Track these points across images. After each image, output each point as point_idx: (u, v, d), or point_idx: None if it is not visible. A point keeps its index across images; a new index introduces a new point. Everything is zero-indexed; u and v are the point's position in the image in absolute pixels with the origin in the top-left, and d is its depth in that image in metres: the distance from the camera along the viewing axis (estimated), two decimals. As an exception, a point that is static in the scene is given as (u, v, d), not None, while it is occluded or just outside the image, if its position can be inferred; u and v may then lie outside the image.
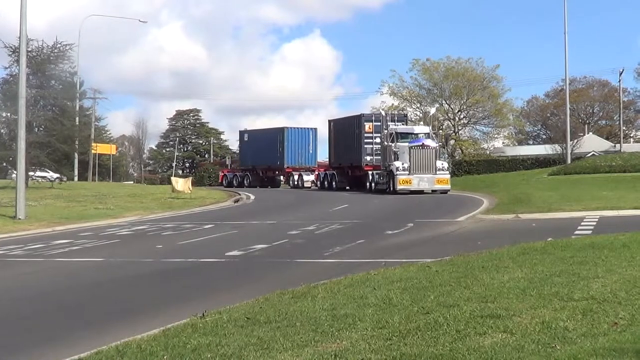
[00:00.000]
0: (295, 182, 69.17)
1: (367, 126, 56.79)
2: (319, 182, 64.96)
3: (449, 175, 50.21)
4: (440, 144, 55.45)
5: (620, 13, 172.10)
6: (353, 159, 58.57)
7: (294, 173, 70.24)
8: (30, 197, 36.19)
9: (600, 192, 36.35)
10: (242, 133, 79.34)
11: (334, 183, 61.03)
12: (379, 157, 55.17)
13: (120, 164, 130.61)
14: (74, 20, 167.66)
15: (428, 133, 52.17)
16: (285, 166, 70.91)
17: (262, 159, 72.66)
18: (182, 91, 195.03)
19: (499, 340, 7.89)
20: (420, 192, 48.14)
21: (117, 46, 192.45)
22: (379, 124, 56.07)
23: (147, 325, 10.57)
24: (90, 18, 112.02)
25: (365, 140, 56.67)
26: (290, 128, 72.64)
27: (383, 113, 57.20)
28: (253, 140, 75.50)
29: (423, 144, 49.36)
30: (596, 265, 12.65)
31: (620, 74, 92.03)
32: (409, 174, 48.32)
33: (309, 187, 66.18)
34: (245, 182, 74.28)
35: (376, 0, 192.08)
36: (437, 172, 48.96)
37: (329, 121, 65.63)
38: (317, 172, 67.07)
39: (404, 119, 59.40)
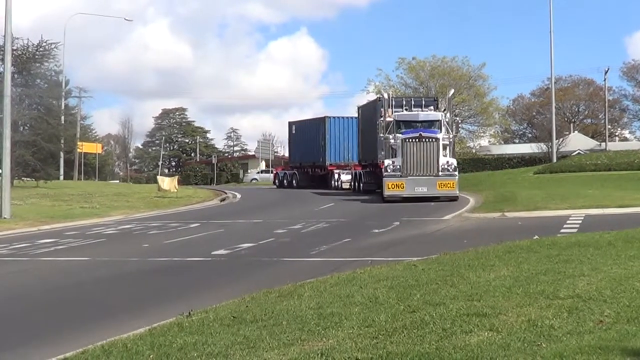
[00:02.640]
0: (336, 182, 57.48)
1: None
2: (355, 183, 52.26)
3: (456, 177, 38.39)
4: (454, 135, 43.28)
5: (605, 12, 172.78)
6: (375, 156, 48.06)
7: (335, 172, 58.48)
8: (15, 196, 36.08)
9: (586, 191, 36.45)
10: (290, 125, 67.57)
11: (361, 184, 49.61)
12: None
13: (106, 163, 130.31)
14: (59, 18, 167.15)
15: (438, 121, 40.91)
16: (327, 163, 59.16)
17: (308, 155, 61.92)
18: (168, 89, 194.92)
19: (485, 338, 7.89)
20: (417, 199, 37.64)
21: (103, 44, 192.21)
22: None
23: (133, 325, 10.55)
24: (75, 16, 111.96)
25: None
26: (332, 118, 60.38)
27: (386, 95, 44.86)
28: (300, 132, 64.60)
29: (420, 134, 38.68)
30: (582, 264, 12.68)
31: (606, 72, 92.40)
32: (400, 176, 38.24)
33: (348, 189, 53.14)
34: (293, 181, 64.02)
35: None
36: (440, 173, 38.19)
37: (358, 107, 55.98)
38: (353, 171, 53.87)
39: (409, 102, 46.23)
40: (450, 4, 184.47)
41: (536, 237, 18.20)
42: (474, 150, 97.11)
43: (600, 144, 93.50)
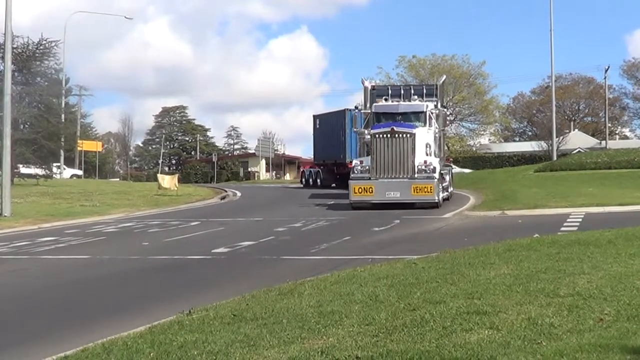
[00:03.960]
0: None
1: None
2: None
3: (434, 180, 32.33)
4: (442, 130, 36.92)
5: (605, 10, 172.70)
6: None
7: None
8: (15, 194, 36.09)
9: (586, 189, 36.44)
10: (314, 118, 61.00)
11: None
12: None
13: (106, 161, 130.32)
14: (59, 16, 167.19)
15: (422, 112, 35.19)
16: (347, 160, 50.41)
17: (329, 151, 55.49)
18: (168, 88, 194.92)
19: (485, 336, 7.89)
20: (389, 206, 32.32)
21: (103, 42, 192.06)
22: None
23: (134, 323, 10.55)
24: (76, 14, 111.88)
25: None
26: (352, 110, 50.04)
27: (367, 84, 38.29)
28: (323, 126, 58.15)
29: (393, 129, 33.01)
30: (582, 262, 12.68)
31: (606, 71, 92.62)
32: (369, 179, 32.87)
33: None
34: (318, 180, 57.85)
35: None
36: (417, 175, 32.47)
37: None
38: None
39: (397, 91, 38.89)
40: (451, 2, 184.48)
41: (536, 235, 18.19)
42: (474, 149, 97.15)
43: (600, 142, 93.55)
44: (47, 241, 23.53)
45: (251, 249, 20.38)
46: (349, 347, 7.85)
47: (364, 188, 32.79)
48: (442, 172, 34.61)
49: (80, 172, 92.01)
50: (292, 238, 22.85)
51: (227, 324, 9.56)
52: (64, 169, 79.62)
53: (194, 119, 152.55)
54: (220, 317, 9.95)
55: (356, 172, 33.38)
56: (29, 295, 14.56)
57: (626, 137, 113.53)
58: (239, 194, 52.44)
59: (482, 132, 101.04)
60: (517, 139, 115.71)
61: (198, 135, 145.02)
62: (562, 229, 21.91)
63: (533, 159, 75.05)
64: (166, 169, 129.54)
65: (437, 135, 35.50)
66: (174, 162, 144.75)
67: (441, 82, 39.70)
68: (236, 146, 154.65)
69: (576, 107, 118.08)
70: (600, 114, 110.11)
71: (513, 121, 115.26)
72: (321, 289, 11.74)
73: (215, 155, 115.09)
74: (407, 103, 36.22)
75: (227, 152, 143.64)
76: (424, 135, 34.26)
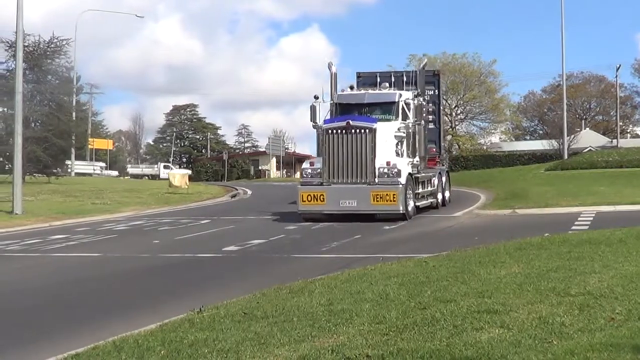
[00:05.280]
0: None
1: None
2: None
3: (399, 186, 26.65)
4: (418, 123, 29.49)
5: (617, 9, 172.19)
6: None
7: None
8: (27, 192, 36.17)
9: (597, 188, 36.33)
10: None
11: None
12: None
13: (117, 159, 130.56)
14: (70, 13, 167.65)
15: (393, 103, 29.05)
16: None
17: None
18: (179, 86, 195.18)
19: (496, 335, 7.88)
20: (345, 217, 27.29)
21: (113, 40, 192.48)
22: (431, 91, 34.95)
23: (144, 321, 10.55)
24: (86, 12, 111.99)
25: None
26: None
27: (334, 70, 31.23)
28: None
29: (348, 123, 27.20)
30: (593, 261, 12.65)
31: (617, 69, 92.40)
32: (321, 184, 27.38)
33: None
34: None
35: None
36: (377, 180, 26.90)
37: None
38: None
39: (387, 78, 32.79)
40: (462, 0, 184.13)
41: (547, 234, 18.15)
42: (485, 147, 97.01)
43: (611, 141, 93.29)
44: (58, 239, 23.59)
45: (262, 247, 20.39)
46: (359, 345, 7.85)
47: (314, 195, 27.14)
48: (417, 175, 28.98)
49: (114, 173, 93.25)
50: (302, 236, 22.85)
51: (237, 322, 9.56)
52: (171, 169, 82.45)
53: (204, 117, 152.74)
54: (230, 315, 9.96)
55: (306, 175, 28.02)
56: (40, 292, 14.59)
57: (637, 136, 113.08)
58: (249, 192, 52.48)
59: (493, 131, 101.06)
60: (528, 138, 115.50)
61: (209, 133, 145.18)
62: (573, 227, 21.86)
63: (544, 157, 74.73)
64: (177, 166, 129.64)
65: (411, 130, 28.94)
66: (184, 160, 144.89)
67: (421, 66, 33.32)
68: (247, 144, 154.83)
69: (587, 106, 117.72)
70: (612, 113, 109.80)
71: (524, 120, 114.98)
72: (332, 287, 11.74)
73: (225, 153, 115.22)
74: (375, 92, 30.01)
75: (237, 151, 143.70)
76: (390, 131, 28.13)
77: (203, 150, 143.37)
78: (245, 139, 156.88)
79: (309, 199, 27.21)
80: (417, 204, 28.87)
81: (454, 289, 10.62)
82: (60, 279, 16.25)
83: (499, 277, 11.48)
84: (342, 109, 29.38)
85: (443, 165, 39.47)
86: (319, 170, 27.49)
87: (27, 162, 43.36)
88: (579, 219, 24.80)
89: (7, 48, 49.62)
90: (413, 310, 9.40)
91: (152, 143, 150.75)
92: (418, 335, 8.11)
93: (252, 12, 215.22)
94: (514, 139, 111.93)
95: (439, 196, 32.62)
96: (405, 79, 32.30)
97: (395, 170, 26.79)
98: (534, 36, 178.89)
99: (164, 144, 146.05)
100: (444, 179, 33.84)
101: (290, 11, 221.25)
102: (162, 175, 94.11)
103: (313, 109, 29.27)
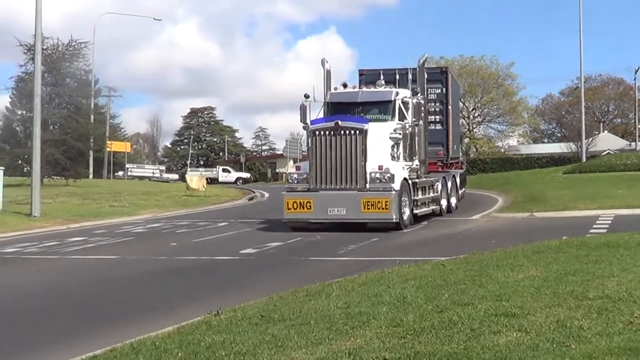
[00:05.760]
0: None
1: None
2: None
3: (392, 193, 24.56)
4: (418, 124, 27.37)
5: (635, 10, 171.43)
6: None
7: None
8: (45, 194, 36.32)
9: (616, 191, 36.18)
10: None
11: None
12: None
13: (135, 161, 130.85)
14: (89, 16, 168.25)
15: (389, 102, 26.77)
16: None
17: None
18: (196, 88, 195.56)
19: (514, 338, 7.86)
20: (336, 227, 25.47)
21: (132, 43, 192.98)
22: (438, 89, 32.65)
23: (162, 323, 10.59)
24: (105, 14, 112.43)
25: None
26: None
27: (327, 67, 29.41)
28: None
29: (337, 123, 25.07)
30: (611, 264, 12.59)
31: (636, 72, 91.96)
32: (307, 190, 25.39)
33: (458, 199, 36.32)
34: None
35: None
36: (368, 186, 24.87)
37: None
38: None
39: (391, 76, 30.38)
40: (480, 3, 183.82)
41: (565, 237, 18.08)
42: (502, 150, 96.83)
43: (630, 144, 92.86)
44: (76, 241, 23.69)
45: (279, 249, 20.41)
46: (376, 348, 7.84)
47: (300, 203, 25.13)
48: (416, 180, 26.96)
49: (246, 175, 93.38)
50: (320, 239, 22.84)
51: (254, 324, 9.57)
52: (229, 172, 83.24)
53: (222, 120, 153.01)
54: (248, 318, 9.97)
55: (291, 180, 26.07)
56: (58, 294, 14.65)
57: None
58: (266, 194, 52.52)
59: (511, 134, 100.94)
60: (546, 141, 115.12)
61: (226, 136, 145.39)
62: (591, 231, 21.79)
63: (562, 160, 74.51)
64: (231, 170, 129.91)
65: (408, 131, 26.74)
66: (202, 162, 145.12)
67: (421, 62, 29.75)
68: (264, 147, 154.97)
69: (605, 109, 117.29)
70: (630, 116, 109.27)
71: (542, 122, 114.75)
72: (349, 290, 11.74)
73: (243, 156, 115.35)
74: (370, 90, 27.57)
75: (255, 153, 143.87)
76: (385, 132, 25.97)
77: (220, 153, 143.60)
78: (263, 142, 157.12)
79: (295, 207, 25.21)
80: (416, 211, 26.64)
81: (471, 292, 10.59)
82: (78, 281, 16.31)
83: (516, 280, 11.45)
84: (334, 108, 27.19)
85: (461, 168, 38.59)
86: (305, 175, 25.49)
87: (45, 164, 43.52)
88: (597, 222, 24.71)
89: (26, 51, 49.83)
90: (430, 314, 9.38)
91: (169, 146, 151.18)
92: (435, 338, 8.09)
93: (270, 15, 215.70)
94: (531, 142, 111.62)
95: (443, 202, 30.42)
96: (410, 76, 30.07)
97: (388, 175, 24.69)
98: (552, 39, 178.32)
99: (182, 147, 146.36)
100: (449, 184, 31.82)
101: (308, 14, 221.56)
102: (221, 179, 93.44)
103: (303, 109, 27.20)
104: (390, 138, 26.03)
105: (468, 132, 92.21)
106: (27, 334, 11.06)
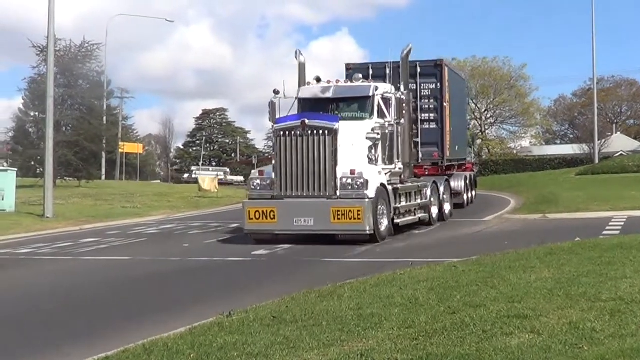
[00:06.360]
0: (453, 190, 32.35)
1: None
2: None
3: (364, 201, 21.37)
4: (399, 122, 23.94)
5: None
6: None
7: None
8: (58, 195, 36.43)
9: (629, 192, 36.03)
10: None
11: None
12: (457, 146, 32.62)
13: (147, 163, 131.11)
14: (101, 18, 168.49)
15: (367, 98, 23.91)
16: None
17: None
18: (208, 90, 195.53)
19: (526, 340, 7.85)
20: (304, 239, 22.02)
21: (144, 44, 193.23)
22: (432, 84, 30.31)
23: (174, 324, 10.61)
24: (117, 16, 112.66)
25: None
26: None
27: (302, 59, 26.91)
28: None
29: (304, 122, 22.01)
30: (624, 266, 12.56)
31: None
32: (271, 198, 22.33)
33: (462, 204, 33.79)
34: None
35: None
36: (339, 192, 21.67)
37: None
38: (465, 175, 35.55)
39: (381, 70, 27.44)
40: (491, 4, 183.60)
41: (578, 239, 18.04)
42: (515, 151, 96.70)
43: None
44: (89, 242, 23.75)
45: (290, 251, 20.42)
46: (388, 350, 7.84)
47: (263, 212, 22.00)
48: (397, 186, 23.95)
49: (239, 179, 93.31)
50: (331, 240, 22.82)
51: (267, 325, 9.58)
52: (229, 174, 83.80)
53: (234, 121, 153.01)
54: (260, 319, 9.98)
55: (254, 187, 22.79)
56: (71, 295, 14.69)
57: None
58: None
59: (523, 135, 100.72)
60: (559, 142, 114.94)
61: (238, 137, 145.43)
62: (604, 232, 21.73)
63: (575, 162, 74.39)
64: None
65: (388, 131, 23.63)
66: (214, 164, 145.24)
67: (404, 53, 26.13)
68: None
69: (618, 110, 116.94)
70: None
71: (554, 124, 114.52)
72: (361, 291, 11.73)
73: (255, 157, 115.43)
74: (345, 85, 25.01)
75: (267, 155, 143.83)
76: (360, 132, 23.02)
77: (232, 155, 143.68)
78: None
79: (257, 216, 22.08)
80: (397, 221, 23.67)
81: (483, 294, 10.58)
82: (91, 282, 16.36)
83: (529, 282, 11.43)
84: (305, 105, 24.52)
85: (471, 170, 37.70)
86: (269, 180, 22.41)
87: (58, 166, 43.64)
88: (610, 223, 24.63)
89: (39, 53, 50.06)
90: (442, 315, 9.38)
91: (181, 147, 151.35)
92: (447, 340, 8.09)
93: (282, 16, 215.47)
94: (544, 143, 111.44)
95: (434, 210, 27.46)
96: (408, 71, 27.02)
97: (362, 180, 21.51)
98: (564, 40, 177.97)
99: (194, 148, 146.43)
100: (442, 189, 28.69)
101: (320, 15, 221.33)
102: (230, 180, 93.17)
103: (272, 106, 24.29)
104: (367, 138, 23.07)
105: (480, 133, 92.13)
106: (39, 334, 11.10)
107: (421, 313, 9.55)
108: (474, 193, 37.87)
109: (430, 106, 29.93)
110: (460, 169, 35.03)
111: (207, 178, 54.04)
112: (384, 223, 22.35)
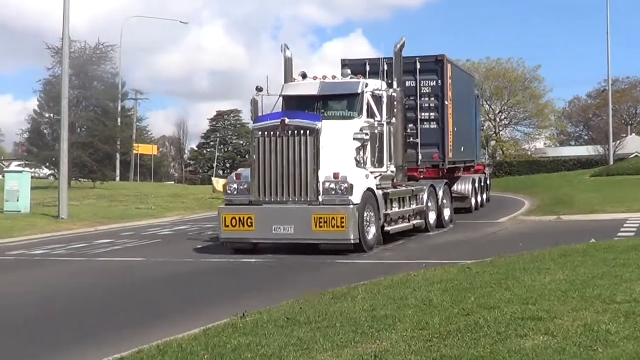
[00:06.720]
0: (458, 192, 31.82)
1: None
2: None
3: (348, 207, 19.45)
4: (390, 122, 22.43)
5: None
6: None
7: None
8: (72, 197, 36.49)
9: (644, 194, 35.91)
10: None
11: None
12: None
13: (162, 164, 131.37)
14: (116, 20, 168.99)
15: (356, 95, 22.03)
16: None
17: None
18: (222, 91, 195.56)
19: (541, 342, 7.83)
20: (284, 248, 20.61)
21: (158, 46, 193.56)
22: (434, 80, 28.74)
23: (188, 325, 10.63)
24: (132, 18, 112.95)
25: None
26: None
27: (288, 54, 25.16)
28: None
29: (283, 121, 20.17)
30: (639, 268, 12.53)
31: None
32: (248, 203, 20.53)
33: (469, 208, 32.78)
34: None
35: (416, 0, 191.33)
36: (322, 198, 19.84)
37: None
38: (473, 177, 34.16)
39: (376, 66, 24.15)
40: (506, 5, 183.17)
41: (593, 240, 17.98)
42: (529, 153, 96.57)
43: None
44: (103, 243, 23.81)
45: (305, 252, 20.40)
46: (402, 351, 7.84)
47: (240, 219, 20.22)
48: (388, 191, 22.06)
49: None
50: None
51: (280, 327, 9.59)
52: None
53: (248, 123, 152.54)
54: (274, 321, 9.99)
55: (230, 192, 21.20)
56: (86, 296, 14.74)
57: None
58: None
59: (538, 137, 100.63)
60: (573, 143, 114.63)
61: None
62: (619, 234, 21.67)
63: (589, 163, 74.19)
64: (221, 172, 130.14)
65: (377, 131, 21.99)
66: (228, 165, 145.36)
67: (398, 47, 24.70)
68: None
69: (633, 111, 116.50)
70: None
71: (569, 125, 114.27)
72: (375, 293, 11.73)
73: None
74: (333, 81, 22.90)
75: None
76: (346, 132, 21.21)
77: (247, 156, 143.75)
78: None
79: (234, 224, 20.31)
80: (388, 228, 21.77)
81: (497, 296, 10.56)
82: (106, 283, 16.42)
83: (543, 284, 11.41)
84: (290, 103, 22.83)
85: (482, 172, 36.84)
86: (247, 185, 20.60)
87: (72, 167, 43.76)
88: (625, 225, 24.56)
89: (54, 54, 50.13)
90: (457, 317, 9.37)
91: (196, 149, 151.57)
92: (462, 341, 8.08)
93: (296, 18, 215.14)
94: (558, 145, 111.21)
95: (432, 216, 25.69)
96: (402, 67, 25.28)
97: (346, 185, 19.61)
98: (579, 41, 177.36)
99: (208, 150, 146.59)
100: (440, 193, 26.54)
101: (334, 17, 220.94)
102: None
103: (254, 105, 22.66)
104: (355, 139, 21.20)
105: (495, 135, 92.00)
106: (54, 335, 11.15)
107: (435, 315, 9.54)
108: (485, 196, 36.80)
109: (431, 105, 28.49)
110: (468, 172, 33.90)
111: (221, 180, 54.08)
112: (372, 231, 20.46)
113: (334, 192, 19.70)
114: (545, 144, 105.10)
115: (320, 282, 14.44)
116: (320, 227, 19.48)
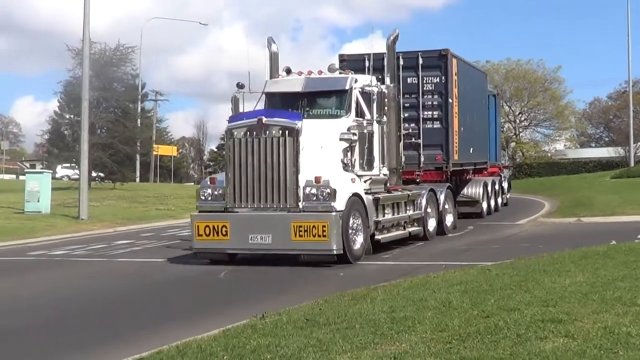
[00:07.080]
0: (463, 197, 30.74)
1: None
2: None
3: (330, 215, 17.52)
4: (380, 120, 20.41)
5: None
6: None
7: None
8: (92, 197, 36.63)
9: (665, 196, 35.72)
10: None
11: None
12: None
13: (181, 165, 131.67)
14: (136, 21, 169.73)
15: (343, 92, 20.10)
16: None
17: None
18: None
19: (561, 345, 7.80)
20: (259, 260, 19.17)
21: (178, 47, 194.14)
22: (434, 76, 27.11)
23: (207, 326, 10.65)
24: (152, 19, 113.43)
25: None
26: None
27: (274, 49, 24.03)
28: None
29: (260, 120, 18.27)
30: (660, 270, 12.47)
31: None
32: (223, 210, 18.70)
33: (480, 213, 31.27)
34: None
35: (436, 1, 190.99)
36: (302, 204, 17.91)
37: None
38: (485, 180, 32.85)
39: (379, 62, 22.91)
40: (526, 7, 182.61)
41: (613, 242, 17.89)
42: (549, 154, 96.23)
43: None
44: (122, 244, 23.89)
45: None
46: (421, 353, 7.82)
47: (213, 227, 18.41)
48: (378, 195, 20.19)
49: None
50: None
51: (299, 328, 9.59)
52: None
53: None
54: (293, 322, 9.99)
55: (204, 197, 19.11)
56: (106, 296, 14.80)
57: None
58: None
59: (558, 138, 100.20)
60: (593, 145, 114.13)
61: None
62: (640, 236, 21.57)
63: (610, 165, 73.89)
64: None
65: (367, 131, 20.07)
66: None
67: (391, 39, 23.42)
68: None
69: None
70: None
71: (589, 127, 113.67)
72: (394, 294, 11.71)
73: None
74: (319, 77, 21.05)
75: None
76: (331, 132, 19.50)
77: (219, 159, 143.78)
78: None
79: (207, 232, 18.51)
80: (379, 237, 20.10)
81: (517, 298, 10.53)
82: (125, 284, 16.47)
83: (563, 286, 11.36)
84: (273, 101, 21.22)
85: (497, 175, 35.63)
86: (221, 190, 18.79)
87: (93, 168, 43.95)
88: (646, 227, 24.44)
89: (74, 56, 50.39)
90: (476, 319, 9.34)
91: (215, 150, 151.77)
92: (481, 343, 8.05)
93: (316, 19, 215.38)
94: (579, 146, 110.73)
95: (431, 223, 23.78)
96: (402, 62, 25.54)
97: (328, 190, 17.79)
98: (599, 42, 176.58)
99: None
100: (441, 197, 24.55)
101: (354, 18, 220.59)
102: None
103: (235, 103, 21.25)
104: (341, 140, 19.54)
105: (514, 136, 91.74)
106: (74, 336, 11.20)
107: (454, 316, 9.52)
108: (500, 200, 35.53)
109: (434, 103, 26.80)
110: (480, 174, 32.72)
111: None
112: (359, 240, 18.62)
113: (314, 198, 17.91)
114: (565, 145, 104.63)
115: (340, 284, 14.47)
116: (300, 236, 17.69)
